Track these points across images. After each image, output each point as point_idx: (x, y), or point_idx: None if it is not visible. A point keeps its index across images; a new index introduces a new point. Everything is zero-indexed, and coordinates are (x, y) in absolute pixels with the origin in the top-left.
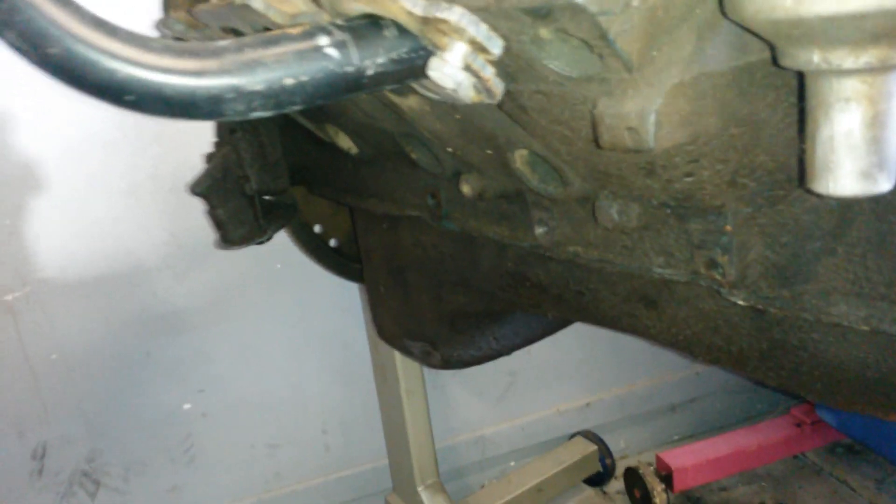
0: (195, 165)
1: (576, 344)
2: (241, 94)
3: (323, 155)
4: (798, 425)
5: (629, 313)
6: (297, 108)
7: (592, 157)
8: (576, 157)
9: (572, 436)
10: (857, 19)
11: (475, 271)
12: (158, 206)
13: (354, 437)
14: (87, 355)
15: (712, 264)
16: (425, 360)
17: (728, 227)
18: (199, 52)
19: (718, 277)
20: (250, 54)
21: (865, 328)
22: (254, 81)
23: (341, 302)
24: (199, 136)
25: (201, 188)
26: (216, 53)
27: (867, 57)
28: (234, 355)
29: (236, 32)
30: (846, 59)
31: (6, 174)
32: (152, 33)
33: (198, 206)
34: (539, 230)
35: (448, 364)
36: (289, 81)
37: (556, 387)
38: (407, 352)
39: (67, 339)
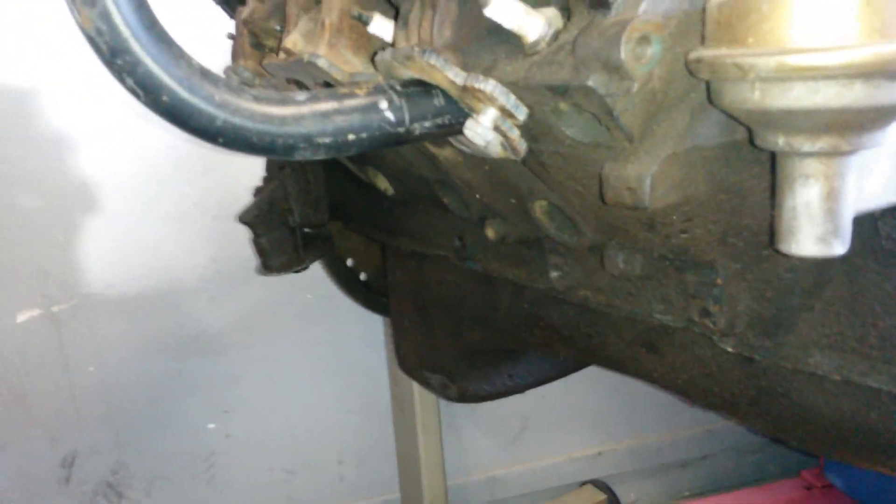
0: (239, 197)
1: (589, 392)
2: (311, 144)
3: (361, 194)
4: (808, 488)
5: (633, 356)
6: (350, 154)
7: (601, 211)
8: (587, 210)
9: (582, 484)
10: (810, 113)
11: (494, 310)
12: (201, 233)
13: (368, 469)
14: (123, 369)
15: (705, 313)
16: (442, 392)
17: (719, 280)
18: (279, 105)
19: (710, 325)
20: (323, 111)
21: (837, 377)
22: (323, 135)
23: (366, 335)
24: (243, 172)
25: (249, 217)
26: (296, 108)
27: (822, 143)
28: (260, 379)
29: (299, 84)
30: (804, 143)
31: (64, 192)
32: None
33: (237, 235)
34: (554, 274)
35: (464, 397)
36: (351, 136)
37: (569, 433)
38: (426, 383)
39: (106, 353)
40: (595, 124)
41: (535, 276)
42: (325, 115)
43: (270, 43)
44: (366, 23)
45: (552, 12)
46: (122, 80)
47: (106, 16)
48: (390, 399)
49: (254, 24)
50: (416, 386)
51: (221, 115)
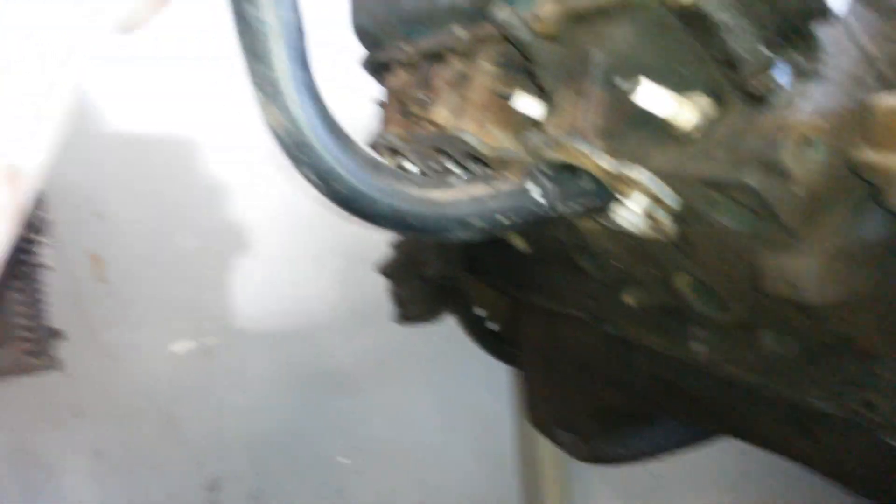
0: (373, 242)
1: (727, 451)
2: (464, 226)
3: (495, 249)
4: None
5: (783, 438)
6: (498, 233)
7: (754, 295)
8: (738, 292)
9: None
10: None
11: (630, 373)
12: (340, 275)
13: None
14: (265, 401)
15: (867, 404)
16: (574, 451)
17: (884, 373)
18: (438, 189)
19: (873, 417)
20: (476, 196)
21: None
22: (476, 217)
23: (494, 384)
24: None
25: (387, 269)
26: (451, 193)
27: None
28: (390, 419)
29: (444, 153)
30: None
31: (219, 234)
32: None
33: (372, 278)
34: (696, 346)
35: (596, 459)
36: (501, 218)
37: (703, 495)
38: (556, 440)
39: (251, 385)
40: (752, 215)
41: (676, 345)
42: (478, 199)
43: (417, 111)
44: (512, 101)
45: (705, 101)
46: (301, 170)
47: (292, 117)
48: (517, 449)
49: (402, 94)
50: (542, 438)
51: (385, 201)
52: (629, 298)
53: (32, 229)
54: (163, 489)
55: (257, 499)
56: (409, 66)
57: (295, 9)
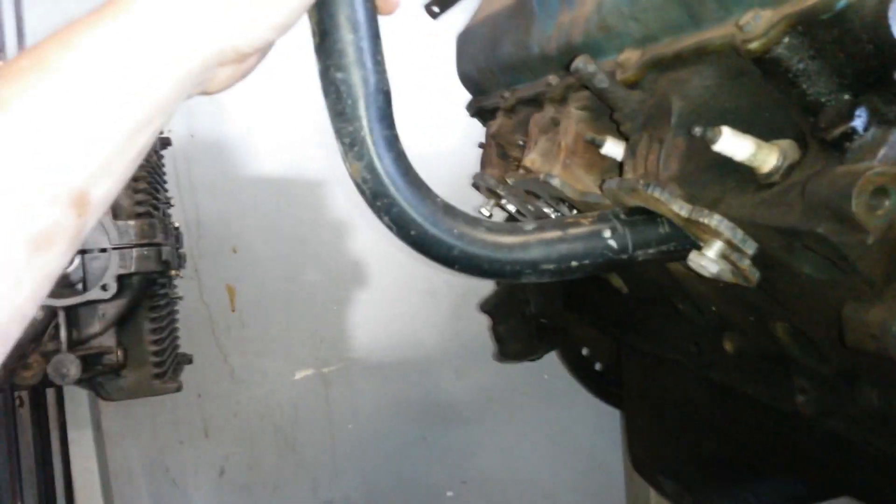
0: (489, 281)
1: None
2: (536, 270)
3: (596, 288)
4: None
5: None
6: (572, 278)
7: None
8: (831, 342)
9: None
10: None
11: (734, 423)
12: (450, 308)
13: None
14: (377, 429)
15: None
16: (677, 500)
17: None
18: (509, 234)
19: None
20: (548, 240)
21: None
22: (548, 261)
23: (603, 424)
24: None
25: (489, 306)
26: (523, 237)
27: None
28: (496, 454)
29: (535, 195)
30: None
31: (342, 270)
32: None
33: (483, 315)
34: (800, 398)
35: None
36: (573, 263)
37: None
38: (659, 488)
39: (363, 413)
40: (830, 264)
41: (780, 396)
42: (550, 243)
43: (515, 154)
44: (599, 146)
45: (787, 144)
46: (380, 218)
47: (371, 167)
48: (625, 495)
49: (501, 138)
50: None
51: (458, 245)
52: (729, 345)
53: (170, 264)
54: None
55: None
56: (508, 111)
57: (379, 72)
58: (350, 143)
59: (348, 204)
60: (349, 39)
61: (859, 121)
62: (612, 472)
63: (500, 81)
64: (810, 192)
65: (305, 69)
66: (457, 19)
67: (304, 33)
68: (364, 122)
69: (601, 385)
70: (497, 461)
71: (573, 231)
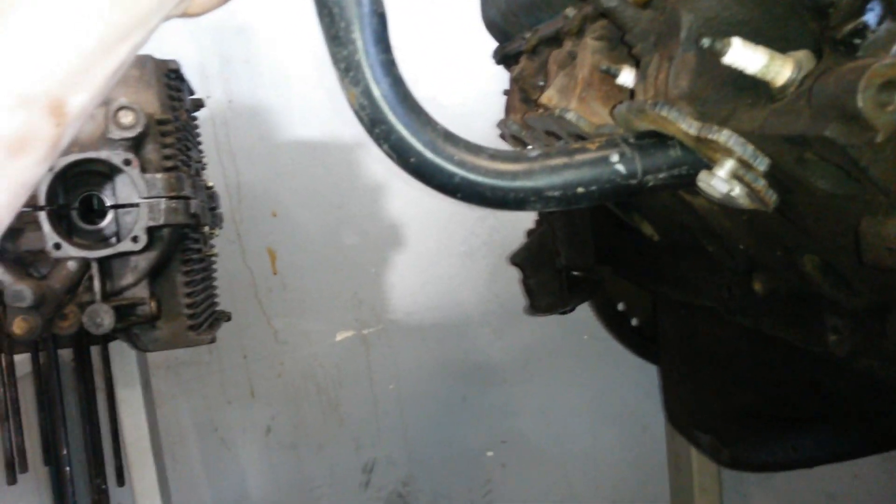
0: (522, 237)
1: None
2: (541, 197)
3: (628, 239)
4: None
5: None
6: (581, 206)
7: (874, 270)
8: (858, 269)
9: None
10: None
11: (767, 371)
12: (488, 270)
13: None
14: (417, 390)
15: None
16: (714, 454)
17: None
18: (511, 162)
19: None
20: (553, 166)
21: None
22: (552, 188)
23: (643, 383)
24: (529, 214)
25: (518, 259)
26: (527, 164)
27: None
28: (535, 414)
29: (555, 135)
30: None
31: (378, 231)
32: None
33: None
34: (832, 338)
35: (737, 464)
36: (580, 189)
37: None
38: (695, 443)
39: (404, 374)
40: (845, 175)
41: (812, 337)
42: (555, 169)
43: (536, 97)
44: (614, 76)
45: (803, 54)
46: (379, 145)
47: (367, 93)
48: (666, 454)
49: (523, 81)
50: None
51: (459, 173)
52: (758, 285)
53: (199, 218)
54: (324, 467)
55: (407, 484)
56: (530, 53)
57: None
58: (345, 69)
59: (384, 167)
60: None
61: (871, 14)
62: (653, 431)
63: (523, 23)
64: (816, 93)
65: None
66: None
67: None
68: (359, 46)
69: (638, 341)
70: (537, 421)
71: (579, 157)
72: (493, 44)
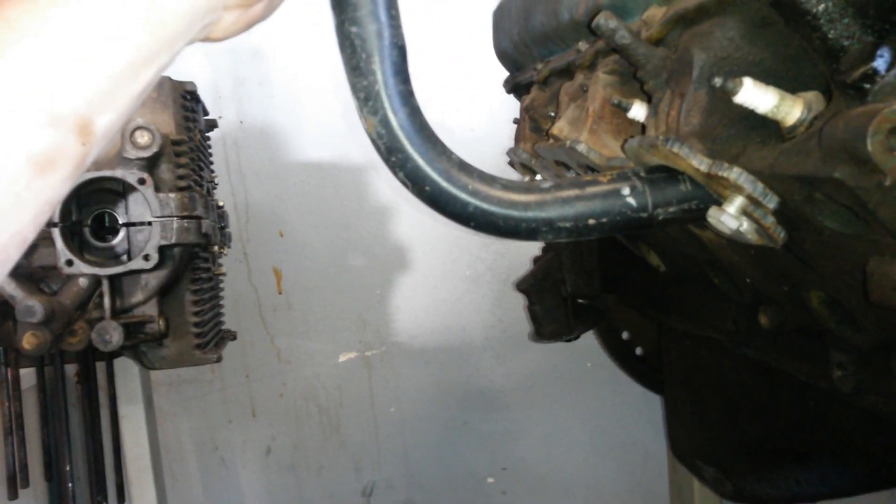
0: (527, 263)
1: None
2: (552, 228)
3: (634, 268)
4: None
5: None
6: (591, 238)
7: (881, 308)
8: (864, 307)
9: None
10: None
11: (774, 404)
12: (492, 295)
13: None
14: (418, 413)
15: None
16: (717, 487)
17: None
18: (524, 193)
19: None
20: (565, 198)
21: None
22: (564, 220)
23: (646, 412)
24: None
25: (524, 285)
26: (539, 195)
27: None
28: (537, 442)
29: (565, 165)
30: None
31: (385, 253)
32: (504, 155)
33: (524, 300)
34: (837, 373)
35: (740, 497)
36: (591, 221)
37: None
38: (698, 474)
39: (405, 397)
40: (853, 215)
41: (817, 372)
42: (567, 201)
43: (547, 127)
44: (626, 110)
45: (813, 95)
46: (395, 174)
47: (385, 122)
48: (668, 485)
49: (533, 111)
50: None
51: (473, 202)
52: (764, 319)
53: (211, 238)
54: (323, 489)
55: None
56: (541, 83)
57: (394, 26)
58: (365, 98)
59: (392, 190)
60: None
61: (881, 61)
62: (655, 461)
63: (535, 54)
64: (826, 136)
65: None
66: None
67: None
68: (378, 77)
69: (642, 370)
70: (538, 448)
71: (591, 189)
72: (502, 73)
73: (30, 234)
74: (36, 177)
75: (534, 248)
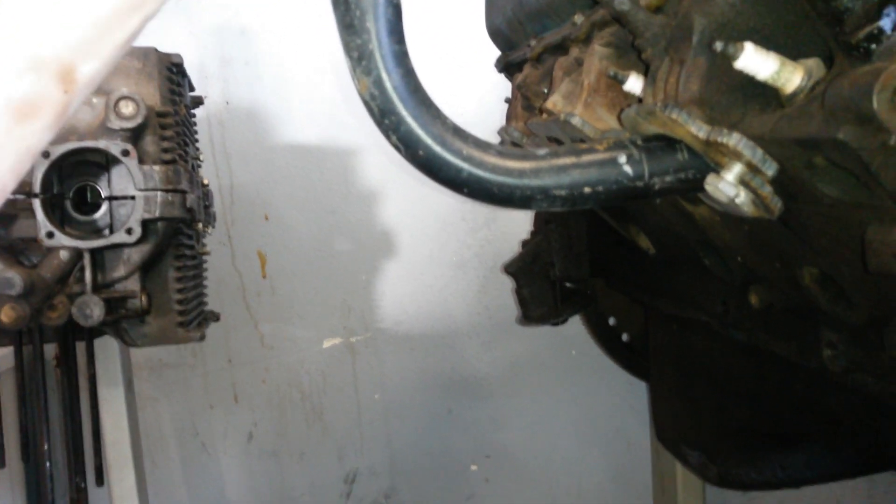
0: (514, 250)
1: None
2: (547, 196)
3: (623, 251)
4: None
5: None
6: (587, 207)
7: (875, 282)
8: (859, 280)
9: None
10: None
11: (762, 388)
12: (479, 281)
13: None
14: (402, 400)
15: None
16: (701, 471)
17: None
18: (520, 160)
19: None
20: (561, 165)
21: None
22: (559, 187)
23: (630, 400)
24: (519, 226)
25: (513, 268)
26: (535, 162)
27: None
28: (521, 430)
29: (558, 141)
30: None
31: (371, 238)
32: (495, 137)
33: (510, 286)
34: (828, 352)
35: (725, 481)
36: (587, 189)
37: None
38: (683, 459)
39: (390, 383)
40: (854, 181)
41: (806, 352)
42: (563, 168)
43: (539, 104)
44: (621, 82)
45: (814, 62)
46: (388, 137)
47: (379, 83)
48: (651, 473)
49: (526, 88)
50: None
51: (467, 168)
52: (755, 298)
53: (195, 213)
54: (305, 476)
55: (389, 496)
56: (534, 60)
57: None
58: (358, 58)
59: (379, 174)
60: None
61: (887, 20)
62: (638, 449)
63: (528, 31)
64: (830, 96)
65: (337, 41)
66: None
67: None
68: (373, 35)
69: (628, 356)
70: (522, 436)
71: (587, 157)
72: (493, 53)
73: (10, 184)
74: (16, 123)
75: (521, 233)
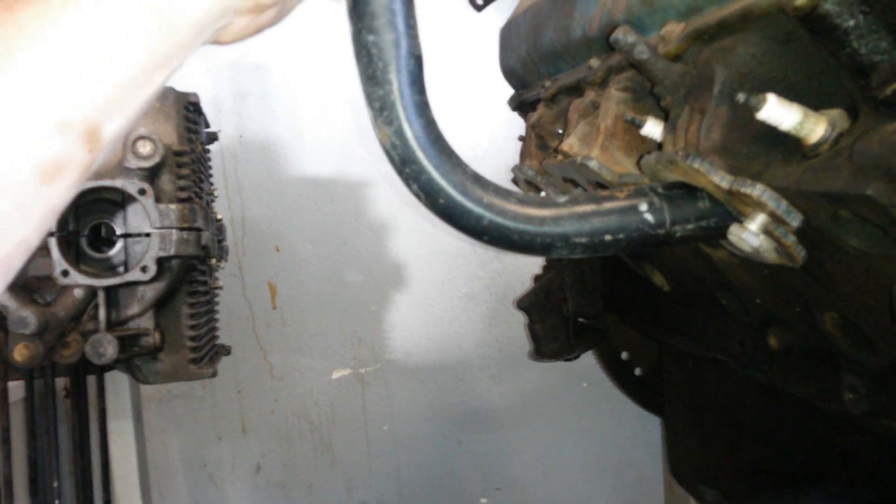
0: (525, 282)
1: None
2: (568, 244)
3: (637, 288)
4: None
5: None
6: (608, 254)
7: None
8: (884, 329)
9: None
10: None
11: (779, 428)
12: (489, 313)
13: None
14: (411, 432)
15: None
16: None
17: None
18: (540, 207)
19: None
20: (581, 213)
21: None
22: (580, 235)
23: (643, 433)
24: (530, 259)
25: (525, 304)
26: (555, 210)
27: None
28: (532, 462)
29: (574, 182)
30: None
31: (381, 270)
32: (507, 173)
33: (520, 318)
34: (849, 396)
35: None
36: (608, 237)
37: None
38: (700, 497)
39: (399, 415)
40: (881, 234)
41: (827, 395)
42: (583, 216)
43: (554, 144)
44: (639, 126)
45: (837, 113)
46: (408, 186)
47: (400, 133)
48: None
49: (540, 128)
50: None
51: (488, 216)
52: (774, 340)
53: (209, 250)
54: None
55: None
56: (549, 101)
57: (411, 35)
58: (380, 108)
59: (389, 206)
60: (382, 2)
61: None
62: (650, 483)
63: (543, 72)
64: (858, 152)
65: (350, 74)
66: (500, 16)
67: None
68: (394, 87)
69: (641, 391)
70: (533, 469)
71: (608, 205)
72: (505, 91)
73: (34, 242)
74: (42, 185)
75: (533, 266)
